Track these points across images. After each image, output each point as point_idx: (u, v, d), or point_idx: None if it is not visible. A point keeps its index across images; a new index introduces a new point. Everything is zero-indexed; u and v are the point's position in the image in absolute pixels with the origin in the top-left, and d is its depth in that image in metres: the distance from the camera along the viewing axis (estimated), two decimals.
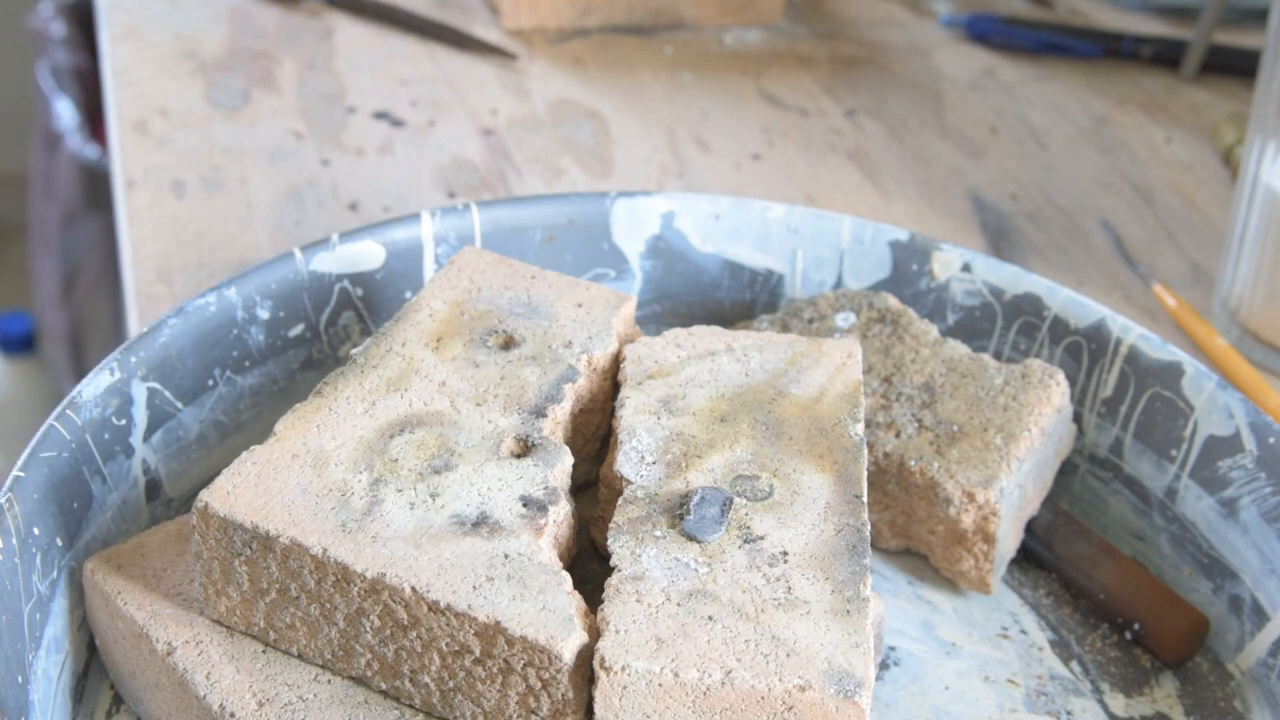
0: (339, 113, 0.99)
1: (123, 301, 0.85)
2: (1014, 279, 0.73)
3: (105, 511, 0.63)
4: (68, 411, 0.62)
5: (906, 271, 0.75)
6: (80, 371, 1.66)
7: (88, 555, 0.60)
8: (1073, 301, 0.72)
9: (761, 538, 0.56)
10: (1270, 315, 0.82)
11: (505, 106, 1.01)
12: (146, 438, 0.65)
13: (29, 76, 1.66)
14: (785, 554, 0.55)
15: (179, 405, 0.66)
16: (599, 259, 0.76)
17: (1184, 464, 0.67)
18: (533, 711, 0.53)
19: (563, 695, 0.52)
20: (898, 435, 0.66)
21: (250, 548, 0.55)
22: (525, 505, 0.56)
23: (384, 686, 0.55)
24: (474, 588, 0.53)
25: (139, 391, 0.65)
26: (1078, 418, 0.72)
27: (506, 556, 0.54)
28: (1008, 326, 0.73)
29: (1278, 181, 0.79)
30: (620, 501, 0.58)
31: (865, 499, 0.58)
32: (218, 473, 0.57)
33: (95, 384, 0.63)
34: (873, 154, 0.99)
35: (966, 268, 0.74)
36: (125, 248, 0.85)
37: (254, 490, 0.56)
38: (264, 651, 0.56)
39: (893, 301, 0.72)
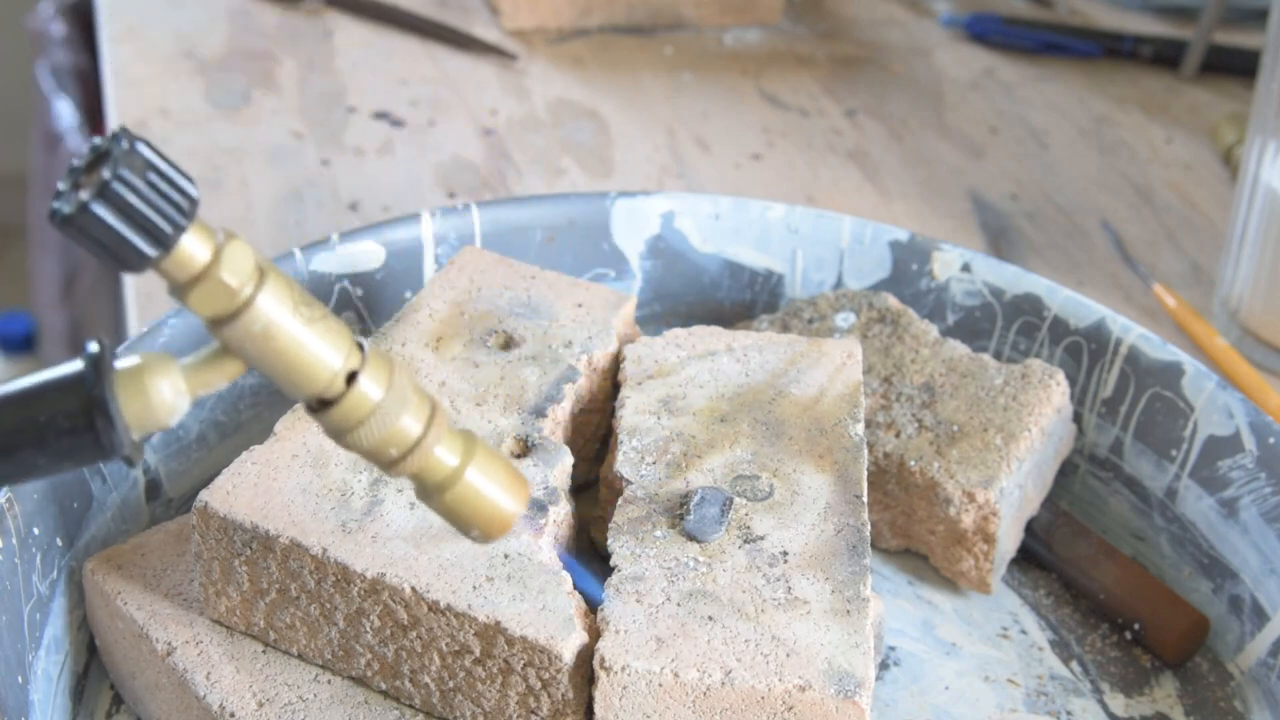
0: (339, 113, 0.99)
1: (123, 301, 0.85)
2: (1014, 279, 0.73)
3: (105, 511, 0.63)
4: None
5: (906, 271, 0.75)
6: None
7: (88, 555, 0.60)
8: (1073, 301, 0.72)
9: (761, 538, 0.56)
10: (1270, 315, 0.82)
11: (505, 106, 1.01)
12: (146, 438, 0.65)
13: (29, 76, 1.66)
14: (785, 554, 0.55)
15: None
16: (599, 259, 0.76)
17: (1184, 464, 0.67)
18: (533, 711, 0.53)
19: (563, 695, 0.52)
20: (898, 435, 0.66)
21: (250, 548, 0.55)
22: None
23: (384, 686, 0.55)
24: (474, 588, 0.53)
25: None
26: (1078, 418, 0.72)
27: (506, 556, 0.54)
28: (1008, 326, 0.73)
29: (1278, 181, 0.79)
30: (620, 501, 0.58)
31: (865, 499, 0.58)
32: (218, 473, 0.57)
33: None
34: (873, 154, 0.99)
35: (966, 268, 0.74)
36: None
37: (254, 490, 0.56)
38: (264, 651, 0.56)
39: (893, 301, 0.72)
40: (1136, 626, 0.65)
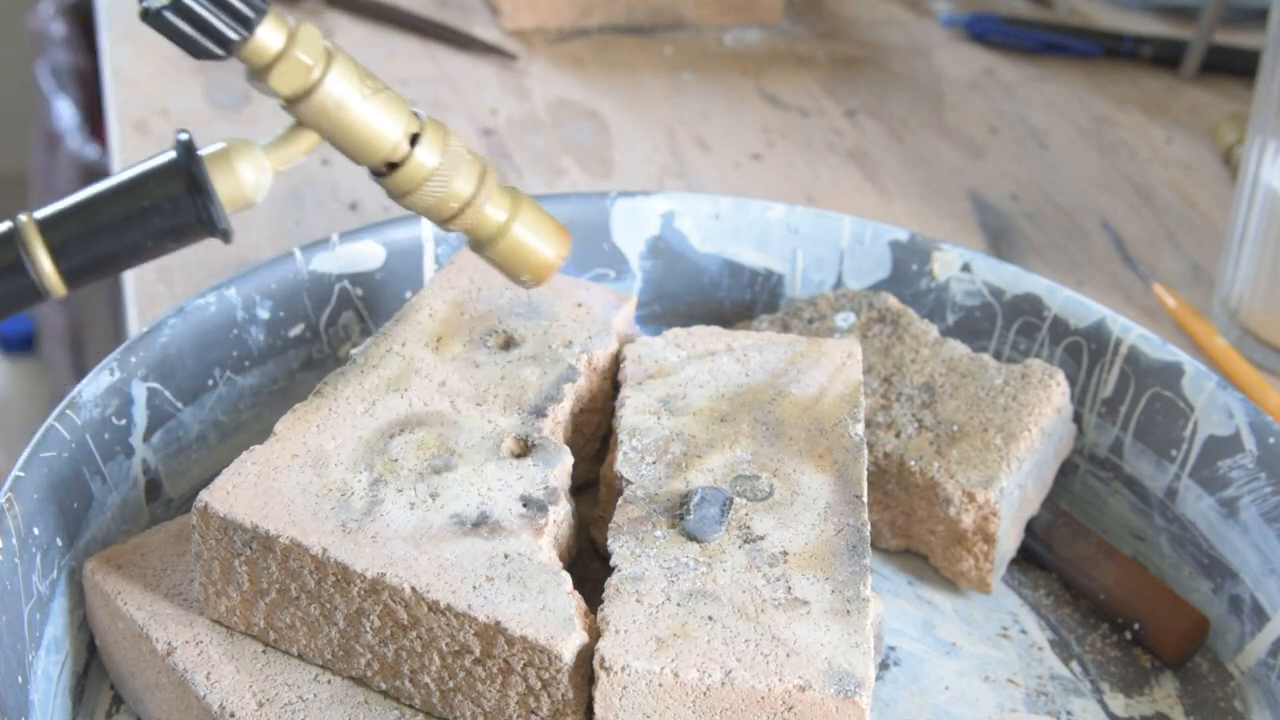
0: None
1: (123, 301, 0.85)
2: (1014, 279, 0.73)
3: (105, 511, 0.63)
4: (68, 411, 0.62)
5: (906, 271, 0.75)
6: (80, 371, 1.66)
7: (88, 555, 0.60)
8: (1073, 301, 0.72)
9: (761, 538, 0.56)
10: (1270, 315, 0.82)
11: (505, 106, 1.01)
12: (146, 438, 0.65)
13: (29, 76, 1.66)
14: (785, 554, 0.55)
15: (179, 405, 0.66)
16: (599, 259, 0.76)
17: (1184, 464, 0.67)
18: (533, 711, 0.53)
19: (563, 695, 0.52)
20: (898, 435, 0.66)
21: (250, 548, 0.55)
22: (525, 505, 0.56)
23: (384, 686, 0.55)
24: (474, 588, 0.53)
25: (139, 391, 0.65)
26: (1078, 418, 0.72)
27: (506, 556, 0.54)
28: (1008, 326, 0.73)
29: (1278, 181, 0.79)
30: (620, 501, 0.58)
31: (865, 499, 0.58)
32: (218, 473, 0.57)
33: (95, 384, 0.63)
34: (873, 154, 0.99)
35: (966, 268, 0.74)
36: None
37: (254, 490, 0.56)
38: (264, 651, 0.56)
39: (893, 301, 0.72)
40: (1136, 626, 0.65)
